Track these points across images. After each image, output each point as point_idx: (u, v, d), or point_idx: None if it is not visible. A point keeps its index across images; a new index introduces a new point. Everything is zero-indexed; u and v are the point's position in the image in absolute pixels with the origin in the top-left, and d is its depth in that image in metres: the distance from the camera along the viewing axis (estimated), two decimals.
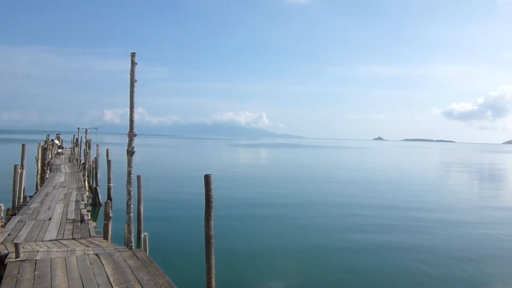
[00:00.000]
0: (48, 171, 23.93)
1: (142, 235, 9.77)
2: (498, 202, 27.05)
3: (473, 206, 24.28)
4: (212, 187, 7.39)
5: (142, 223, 11.65)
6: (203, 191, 7.26)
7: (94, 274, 7.25)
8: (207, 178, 7.44)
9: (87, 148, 28.05)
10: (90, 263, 7.85)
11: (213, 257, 7.46)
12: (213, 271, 7.47)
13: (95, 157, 25.26)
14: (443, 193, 30.22)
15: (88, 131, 38.10)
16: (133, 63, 9.31)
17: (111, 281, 6.87)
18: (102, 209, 16.80)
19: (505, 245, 14.94)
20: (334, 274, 11.39)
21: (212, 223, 7.43)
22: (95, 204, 19.89)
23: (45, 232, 10.59)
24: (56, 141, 43.25)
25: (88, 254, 8.47)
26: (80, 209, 13.60)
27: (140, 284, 6.78)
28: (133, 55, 9.34)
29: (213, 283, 7.46)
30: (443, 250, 13.77)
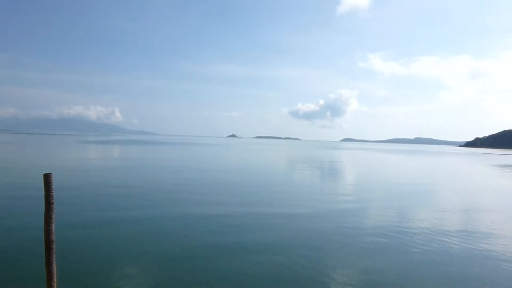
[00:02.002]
0: None
1: None
2: (336, 194, 29.98)
3: (317, 198, 26.50)
4: (53, 187, 6.76)
5: None
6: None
7: None
8: (47, 177, 6.76)
9: None
10: None
11: (54, 263, 6.82)
12: (55, 279, 6.84)
13: None
14: (290, 187, 32.35)
15: None
16: None
17: None
18: None
19: (344, 235, 16.74)
20: (186, 277, 11.38)
21: (53, 226, 6.79)
22: None
23: None
24: None
25: None
26: None
27: None
28: None
29: None
30: (291, 248, 14.53)
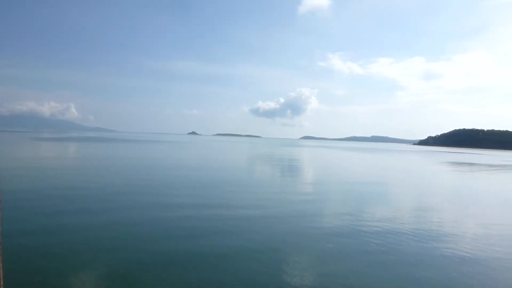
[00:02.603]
0: None
1: None
2: (296, 193, 30.20)
3: (276, 198, 26.55)
4: None
5: None
6: None
7: None
8: None
9: None
10: None
11: (0, 266, 6.37)
12: (2, 282, 6.39)
13: None
14: (250, 187, 32.27)
15: None
16: None
17: None
18: None
19: (303, 236, 16.83)
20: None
21: None
22: None
23: None
24: None
25: None
26: None
27: None
28: None
29: None
30: (252, 252, 14.43)
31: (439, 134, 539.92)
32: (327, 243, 15.26)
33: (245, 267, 12.23)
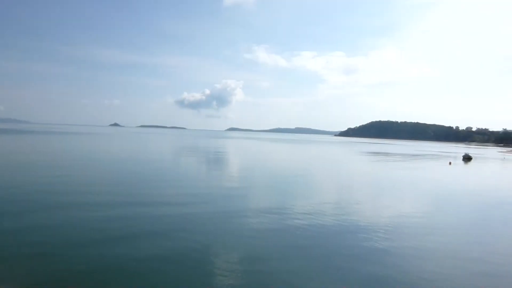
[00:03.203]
0: None
1: None
2: (226, 185, 29.89)
3: (203, 193, 26.00)
4: None
5: None
6: None
7: None
8: None
9: None
10: None
11: None
12: None
13: None
14: (177, 181, 31.24)
15: None
16: None
17: None
18: None
19: (231, 233, 16.54)
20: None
21: None
22: None
23: None
24: None
25: None
26: None
27: None
28: None
29: None
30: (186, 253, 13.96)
31: (358, 125, 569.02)
32: (259, 240, 15.16)
33: (182, 268, 11.75)
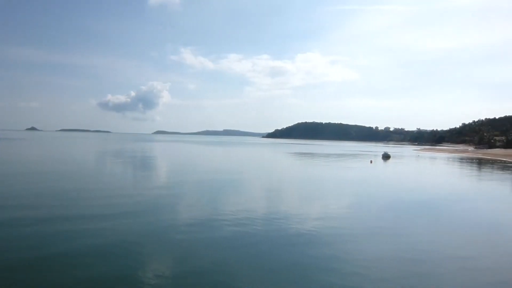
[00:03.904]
0: None
1: None
2: (154, 192, 28.89)
3: (130, 202, 24.96)
4: None
5: None
6: None
7: None
8: None
9: None
10: None
11: None
12: None
13: None
14: (101, 191, 29.69)
15: None
16: None
17: None
18: None
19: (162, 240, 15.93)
20: None
21: None
22: None
23: None
24: None
25: None
26: None
27: None
28: None
29: None
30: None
31: (285, 127, 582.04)
32: (189, 251, 14.72)
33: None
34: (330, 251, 14.67)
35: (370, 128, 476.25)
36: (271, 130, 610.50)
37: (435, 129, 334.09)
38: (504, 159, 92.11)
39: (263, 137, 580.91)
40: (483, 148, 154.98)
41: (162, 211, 20.95)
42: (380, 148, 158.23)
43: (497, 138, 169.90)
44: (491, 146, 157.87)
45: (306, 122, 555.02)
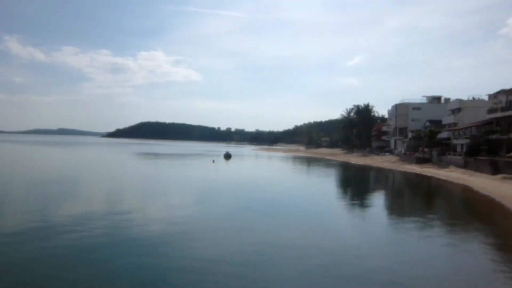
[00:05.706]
0: None
1: None
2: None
3: None
4: None
5: None
6: None
7: None
8: None
9: None
10: None
11: None
12: None
13: None
14: None
15: None
16: None
17: None
18: None
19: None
20: None
21: None
22: None
23: None
24: None
25: None
26: None
27: None
28: None
29: None
30: None
31: (127, 126, 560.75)
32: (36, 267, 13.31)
33: None
34: (173, 250, 14.93)
35: (213, 128, 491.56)
36: (112, 129, 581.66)
37: (272, 130, 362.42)
38: (329, 157, 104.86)
39: (103, 136, 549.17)
40: (312, 148, 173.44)
41: None
42: (222, 148, 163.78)
43: (323, 139, 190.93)
44: (318, 146, 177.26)
45: (149, 122, 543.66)
